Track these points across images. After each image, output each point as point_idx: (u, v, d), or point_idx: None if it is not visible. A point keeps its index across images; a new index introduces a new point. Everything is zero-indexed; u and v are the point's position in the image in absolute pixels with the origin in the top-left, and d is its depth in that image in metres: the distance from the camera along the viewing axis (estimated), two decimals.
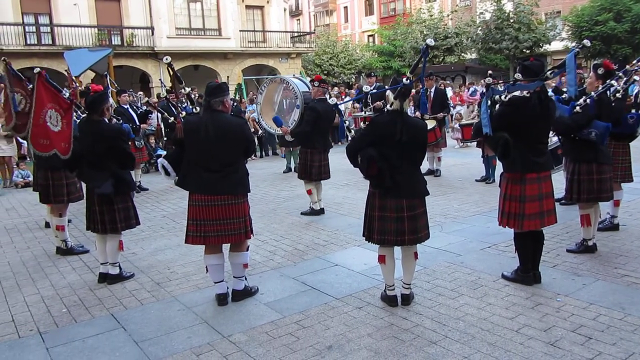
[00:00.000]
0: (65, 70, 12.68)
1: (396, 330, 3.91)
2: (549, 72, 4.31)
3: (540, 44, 28.80)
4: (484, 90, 4.43)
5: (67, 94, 5.45)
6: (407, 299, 4.34)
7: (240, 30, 27.36)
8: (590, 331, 3.74)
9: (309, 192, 7.65)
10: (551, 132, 5.16)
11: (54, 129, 5.28)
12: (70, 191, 6.22)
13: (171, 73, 4.84)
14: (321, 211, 7.67)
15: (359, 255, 5.64)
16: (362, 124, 10.62)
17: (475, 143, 11.51)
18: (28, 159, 11.43)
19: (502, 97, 4.39)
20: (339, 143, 15.66)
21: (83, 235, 6.80)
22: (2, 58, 6.29)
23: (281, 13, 30.63)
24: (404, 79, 4.14)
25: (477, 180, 9.50)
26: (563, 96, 5.54)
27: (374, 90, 9.75)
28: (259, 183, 10.24)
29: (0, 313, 4.60)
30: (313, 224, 7.12)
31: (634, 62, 6.04)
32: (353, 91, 19.26)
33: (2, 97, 7.91)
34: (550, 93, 4.72)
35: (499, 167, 4.84)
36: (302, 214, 7.67)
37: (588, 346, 3.54)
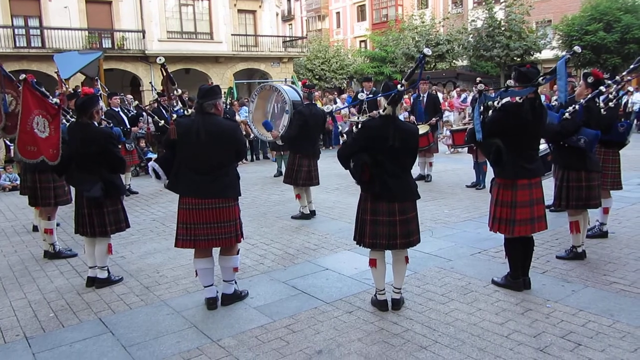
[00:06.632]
0: (55, 73, 12.63)
1: (386, 335, 3.90)
2: (541, 78, 4.34)
3: (531, 52, 29.03)
4: (477, 97, 4.45)
5: (55, 100, 5.38)
6: (397, 304, 4.33)
7: (232, 35, 27.32)
8: (580, 337, 3.75)
9: (298, 197, 7.65)
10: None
11: (42, 135, 5.18)
12: (57, 194, 6.16)
13: (164, 74, 4.78)
14: (312, 214, 7.67)
15: (349, 260, 5.63)
16: (354, 128, 10.63)
17: (466, 149, 11.59)
18: (15, 162, 11.34)
19: (495, 103, 4.41)
20: (331, 148, 15.71)
21: (71, 239, 6.74)
22: None
23: (273, 18, 30.64)
24: (398, 86, 4.13)
25: (467, 186, 9.53)
26: (552, 103, 5.59)
27: (370, 96, 9.76)
28: (249, 187, 10.20)
29: None
30: (303, 228, 7.11)
31: (624, 73, 6.11)
32: (344, 96, 19.23)
33: None
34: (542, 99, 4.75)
35: (490, 174, 4.86)
36: (292, 217, 7.67)
37: (577, 352, 3.55)
